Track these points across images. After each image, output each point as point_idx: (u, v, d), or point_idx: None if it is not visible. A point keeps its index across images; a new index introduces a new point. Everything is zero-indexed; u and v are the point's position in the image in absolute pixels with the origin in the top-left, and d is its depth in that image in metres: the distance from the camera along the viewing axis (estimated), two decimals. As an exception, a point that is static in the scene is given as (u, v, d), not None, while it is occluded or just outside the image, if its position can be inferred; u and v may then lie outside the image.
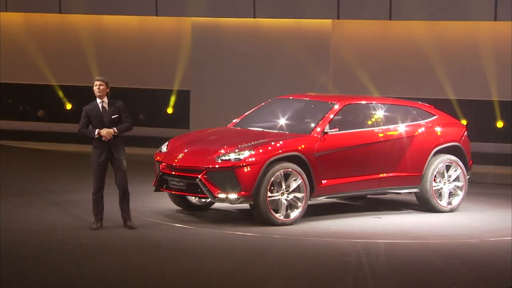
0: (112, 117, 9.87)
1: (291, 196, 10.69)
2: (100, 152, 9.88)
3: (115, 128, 9.85)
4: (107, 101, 9.94)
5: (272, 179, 10.53)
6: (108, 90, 10.00)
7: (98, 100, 9.96)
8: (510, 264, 8.87)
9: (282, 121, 11.47)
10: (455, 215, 11.75)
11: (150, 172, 10.96)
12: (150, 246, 9.37)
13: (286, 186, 10.66)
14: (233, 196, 10.43)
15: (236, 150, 10.54)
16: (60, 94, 19.97)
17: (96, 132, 9.85)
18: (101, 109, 9.92)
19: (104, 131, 9.84)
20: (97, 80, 9.99)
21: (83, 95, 19.85)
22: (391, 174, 11.52)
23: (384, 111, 11.73)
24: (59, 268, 8.28)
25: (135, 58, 19.58)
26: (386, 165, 11.47)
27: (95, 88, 9.95)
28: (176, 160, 10.74)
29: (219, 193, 10.44)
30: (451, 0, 17.67)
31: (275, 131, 11.26)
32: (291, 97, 12.19)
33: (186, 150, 10.85)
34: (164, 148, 11.15)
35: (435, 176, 11.82)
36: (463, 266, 8.79)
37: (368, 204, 12.47)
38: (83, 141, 19.02)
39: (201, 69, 19.23)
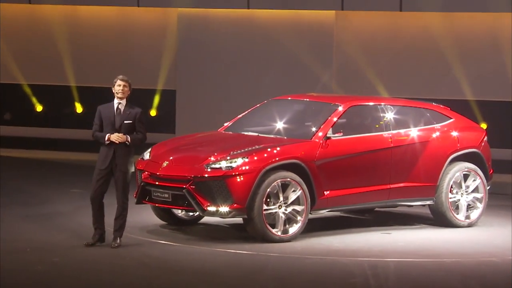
0: (125, 121, 9.91)
1: (289, 209, 10.69)
2: (104, 158, 9.94)
3: (128, 136, 9.88)
4: (124, 104, 9.98)
5: (268, 190, 10.53)
6: (129, 92, 10.01)
7: (116, 101, 10.00)
8: (536, 286, 8.90)
9: (280, 125, 11.48)
10: (473, 231, 11.76)
11: (131, 182, 10.94)
12: (131, 266, 9.37)
13: (284, 198, 10.67)
14: (224, 209, 10.43)
15: (228, 158, 10.55)
16: (30, 94, 19.96)
17: (106, 138, 9.88)
18: (115, 110, 9.95)
19: (114, 136, 9.86)
20: (121, 80, 9.98)
21: (56, 95, 19.93)
22: (402, 185, 11.53)
23: (394, 114, 11.75)
24: (28, 291, 8.28)
25: (114, 54, 19.58)
26: (397, 174, 11.48)
27: (118, 89, 9.96)
28: (160, 169, 10.74)
29: (208, 206, 10.44)
30: (469, -11, 17.76)
31: (272, 136, 11.27)
32: (289, 98, 12.20)
33: (171, 158, 10.85)
34: (146, 155, 11.15)
35: (451, 187, 11.84)
36: (483, 287, 8.80)
37: (376, 218, 12.48)
38: (54, 148, 19.14)
39: (188, 66, 19.23)
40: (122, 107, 9.97)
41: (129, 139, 9.90)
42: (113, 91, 10.03)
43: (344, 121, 11.32)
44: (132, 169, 10.07)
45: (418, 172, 11.63)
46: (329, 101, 11.68)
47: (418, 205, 11.94)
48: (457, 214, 11.88)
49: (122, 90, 9.95)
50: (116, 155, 9.90)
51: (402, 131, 11.68)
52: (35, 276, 8.82)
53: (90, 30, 19.75)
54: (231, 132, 11.63)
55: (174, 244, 10.45)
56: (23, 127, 19.91)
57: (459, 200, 11.92)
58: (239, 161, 10.50)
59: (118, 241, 9.99)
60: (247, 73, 18.99)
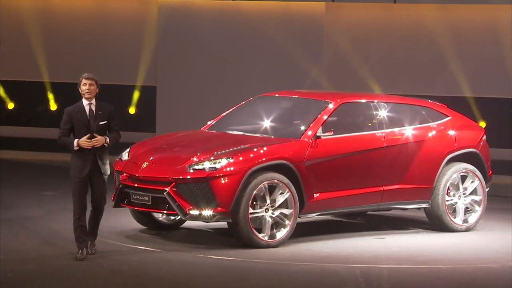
0: (100, 123, 9.72)
1: (277, 213, 10.70)
2: (83, 164, 9.71)
3: (107, 138, 9.69)
4: (95, 104, 9.80)
5: (255, 192, 10.53)
6: (97, 90, 9.84)
7: (85, 102, 9.77)
8: (537, 293, 8.94)
9: (266, 123, 11.48)
10: (472, 235, 11.80)
11: (109, 185, 10.92)
12: (108, 273, 9.35)
13: (271, 200, 10.67)
14: (208, 212, 10.42)
15: (212, 158, 10.55)
16: (0, 91, 19.89)
17: (75, 144, 9.66)
18: (88, 112, 9.74)
19: (83, 142, 9.59)
20: (86, 79, 9.74)
21: (28, 92, 19.86)
22: (396, 187, 11.56)
23: (388, 112, 11.77)
24: (-1, 300, 8.26)
25: (90, 48, 19.54)
26: (390, 176, 11.50)
27: (84, 88, 9.72)
28: (139, 170, 10.72)
29: (191, 209, 10.43)
30: (466, -21, 17.82)
31: (258, 135, 11.27)
32: (277, 95, 12.21)
33: (151, 158, 10.84)
34: (125, 156, 11.13)
35: (448, 189, 11.87)
36: (482, 295, 8.86)
37: (368, 222, 12.51)
38: (27, 147, 19.07)
39: (170, 61, 19.21)
40: (94, 108, 9.77)
41: (107, 140, 9.75)
42: (80, 91, 9.81)
43: (335, 119, 11.34)
44: (108, 172, 9.96)
45: (413, 174, 11.65)
46: (319, 98, 11.69)
47: (413, 208, 11.96)
48: (454, 217, 11.91)
49: (89, 89, 9.73)
50: (98, 159, 9.72)
51: (396, 130, 11.71)
52: (6, 284, 8.79)
53: (64, 22, 19.69)
54: (215, 131, 11.63)
55: (154, 250, 10.43)
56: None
57: (456, 203, 11.95)
58: (224, 161, 10.49)
59: (93, 247, 9.90)
60: (232, 68, 18.99)
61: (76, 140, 9.67)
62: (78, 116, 9.76)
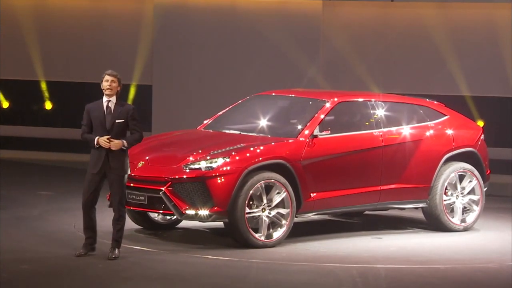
0: (117, 121, 9.73)
1: (273, 212, 10.71)
2: (96, 161, 9.74)
3: (124, 141, 9.68)
4: (115, 101, 9.83)
5: (251, 192, 10.54)
6: (119, 89, 9.88)
7: (105, 99, 9.81)
8: (535, 293, 8.96)
9: (263, 123, 11.50)
10: (469, 235, 11.82)
11: (104, 184, 10.93)
12: (104, 273, 9.35)
13: (267, 200, 10.68)
14: (204, 212, 10.43)
15: (208, 157, 10.56)
16: (-5, 90, 19.90)
17: (95, 142, 9.69)
18: (105, 109, 9.79)
19: (102, 141, 9.63)
20: (109, 75, 9.80)
21: (24, 91, 19.85)
22: (393, 186, 11.57)
23: (385, 111, 11.79)
24: (-7, 300, 8.26)
25: (85, 46, 19.53)
26: (388, 175, 11.52)
27: (105, 84, 9.78)
28: (135, 170, 10.73)
29: (187, 209, 10.44)
30: (464, -23, 17.84)
31: (255, 134, 11.28)
32: (273, 94, 12.22)
33: (147, 158, 10.85)
34: (120, 155, 11.13)
35: (446, 188, 11.89)
36: (480, 295, 8.88)
37: (366, 221, 12.52)
38: (22, 147, 19.06)
39: (165, 60, 19.21)
40: (112, 105, 9.78)
41: (125, 144, 9.71)
42: (102, 87, 9.86)
43: (332, 118, 11.35)
44: (129, 171, 9.93)
45: (410, 173, 11.67)
46: (315, 97, 11.70)
47: (410, 208, 11.98)
48: (452, 217, 11.93)
49: (110, 85, 9.79)
50: (110, 158, 9.71)
51: (393, 129, 11.72)
52: (1, 284, 8.78)
53: (60, 21, 19.69)
54: (211, 130, 11.64)
55: (150, 250, 10.44)
56: (-13, 125, 19.85)
57: (454, 202, 11.97)
58: (220, 161, 10.50)
59: (117, 251, 9.81)
60: (228, 67, 18.99)
61: (97, 138, 9.70)
62: (96, 112, 9.81)
